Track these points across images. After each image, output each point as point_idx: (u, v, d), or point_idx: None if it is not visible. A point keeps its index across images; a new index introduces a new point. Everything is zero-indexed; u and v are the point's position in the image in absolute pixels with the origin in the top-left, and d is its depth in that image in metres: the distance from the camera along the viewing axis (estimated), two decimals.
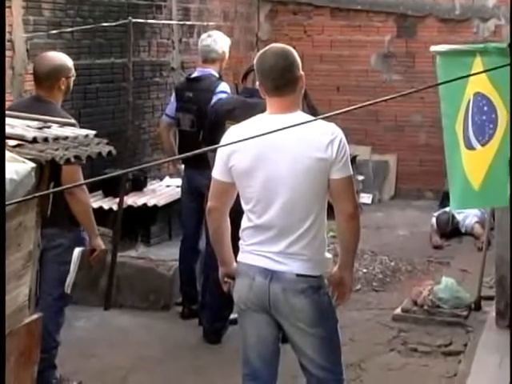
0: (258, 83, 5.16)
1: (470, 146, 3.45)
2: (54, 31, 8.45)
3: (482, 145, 3.41)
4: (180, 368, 7.26)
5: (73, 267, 6.37)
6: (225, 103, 7.40)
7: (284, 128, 4.48)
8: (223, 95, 7.69)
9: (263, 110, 5.18)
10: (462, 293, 8.43)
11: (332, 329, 5.17)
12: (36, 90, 6.66)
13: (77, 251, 6.31)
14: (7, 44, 8.02)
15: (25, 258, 5.29)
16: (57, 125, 5.27)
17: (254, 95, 6.44)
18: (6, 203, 4.50)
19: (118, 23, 9.19)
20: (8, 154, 4.66)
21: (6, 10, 8.08)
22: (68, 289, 6.45)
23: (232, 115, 6.02)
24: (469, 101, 3.41)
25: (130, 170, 7.24)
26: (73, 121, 5.45)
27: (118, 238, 8.04)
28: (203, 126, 7.54)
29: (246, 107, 5.99)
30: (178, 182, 8.78)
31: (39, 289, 5.45)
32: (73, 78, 6.67)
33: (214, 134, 6.62)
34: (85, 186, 6.15)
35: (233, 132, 5.12)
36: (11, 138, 4.89)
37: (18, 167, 4.66)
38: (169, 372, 7.18)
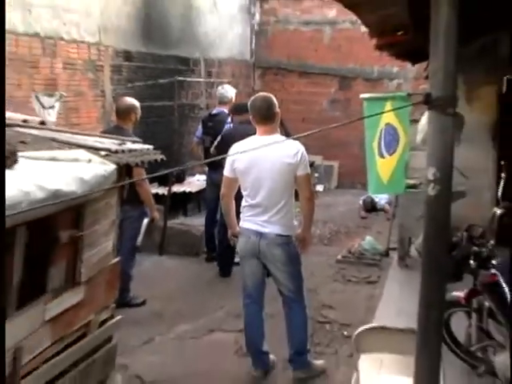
0: (251, 117, 5.34)
1: (381, 156, 3.51)
2: (129, 84, 8.66)
3: (390, 155, 3.47)
4: (204, 292, 7.47)
5: (142, 230, 6.79)
6: (230, 131, 7.58)
7: (267, 145, 4.90)
8: (230, 125, 7.88)
9: (253, 134, 5.35)
10: (377, 246, 8.87)
11: (297, 268, 5.31)
12: (117, 121, 6.97)
13: (145, 221, 6.80)
14: (100, 92, 8.27)
15: (110, 224, 5.16)
16: (129, 142, 5.43)
17: (245, 125, 6.46)
18: (103, 188, 4.48)
19: (168, 80, 9.46)
20: (99, 159, 4.67)
21: (101, 70, 8.36)
22: (138, 243, 6.82)
23: (233, 139, 6.08)
24: (382, 128, 3.48)
25: (173, 169, 7.75)
26: (139, 140, 5.69)
27: (167, 212, 8.62)
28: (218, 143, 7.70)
29: (238, 134, 5.97)
30: (203, 177, 9.37)
31: (120, 243, 5.68)
32: (139, 114, 7.00)
33: (223, 149, 6.60)
34: (147, 179, 6.58)
35: (236, 147, 5.33)
36: (102, 149, 4.89)
37: (106, 168, 4.59)
38: (197, 294, 7.36)
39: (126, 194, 5.98)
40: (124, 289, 6.39)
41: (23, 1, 6.83)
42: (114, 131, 6.38)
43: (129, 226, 6.52)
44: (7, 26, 6.64)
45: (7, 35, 6.69)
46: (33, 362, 4.21)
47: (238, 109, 7.58)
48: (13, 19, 6.72)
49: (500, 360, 4.44)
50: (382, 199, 11.02)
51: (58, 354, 4.47)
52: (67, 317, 4.54)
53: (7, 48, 6.68)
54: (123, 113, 6.83)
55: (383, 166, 3.47)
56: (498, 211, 5.39)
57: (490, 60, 8.37)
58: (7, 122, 5.07)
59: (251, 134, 5.41)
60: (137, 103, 6.93)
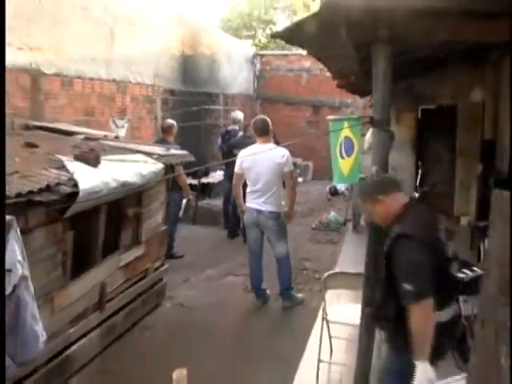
0: (252, 131, 5.34)
1: (342, 157, 3.45)
2: (173, 111, 8.61)
3: (348, 157, 3.42)
4: (222, 249, 7.35)
5: (182, 208, 6.75)
6: (238, 141, 7.46)
7: (264, 151, 4.81)
8: (240, 137, 7.73)
9: (250, 143, 5.37)
10: (339, 218, 8.65)
11: (284, 233, 5.26)
12: (163, 135, 6.81)
13: (184, 201, 6.75)
14: (154, 117, 8.22)
15: (160, 204, 5.20)
16: (172, 149, 5.42)
17: (249, 137, 6.46)
18: (155, 180, 4.56)
19: (198, 108, 9.48)
20: (152, 161, 4.65)
21: (154, 102, 8.25)
22: (179, 216, 6.78)
23: (239, 146, 6.07)
24: (342, 140, 3.43)
25: (201, 167, 7.70)
26: (178, 147, 5.78)
27: (198, 196, 8.43)
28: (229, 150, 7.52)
29: (245, 143, 5.96)
30: (221, 173, 9.02)
31: (167, 216, 5.52)
32: (176, 129, 6.85)
33: (232, 154, 6.62)
34: (184, 173, 6.33)
35: (243, 152, 5.27)
36: (154, 154, 4.86)
37: (157, 166, 4.58)
38: (217, 250, 7.27)
39: (170, 183, 6.11)
40: (170, 246, 6.38)
41: (106, 59, 6.83)
42: (162, 142, 6.34)
43: (173, 205, 6.45)
44: (96, 76, 6.68)
45: (98, 82, 6.74)
46: (113, 292, 4.31)
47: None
48: (100, 71, 6.73)
49: None
50: (342, 187, 10.81)
51: (128, 288, 4.59)
52: (133, 264, 4.64)
53: (97, 90, 6.74)
54: (166, 129, 6.73)
55: (344, 164, 3.45)
56: (416, 195, 5.43)
57: (411, 96, 8.40)
58: (95, 136, 5.16)
59: (250, 144, 5.43)
60: (174, 123, 6.83)
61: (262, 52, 14.15)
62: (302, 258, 6.70)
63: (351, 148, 3.50)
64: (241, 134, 7.88)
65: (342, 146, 3.56)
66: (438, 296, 2.37)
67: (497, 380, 1.18)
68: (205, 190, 8.98)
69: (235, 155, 6.34)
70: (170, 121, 6.90)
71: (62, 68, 5.95)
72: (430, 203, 5.52)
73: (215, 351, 4.25)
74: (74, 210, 3.33)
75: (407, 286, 2.32)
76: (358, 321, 3.17)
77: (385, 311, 2.60)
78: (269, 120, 5.25)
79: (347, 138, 3.50)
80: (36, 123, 5.13)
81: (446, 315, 2.49)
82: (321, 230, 8.27)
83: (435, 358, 2.37)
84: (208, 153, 9.60)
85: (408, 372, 2.34)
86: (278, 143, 5.67)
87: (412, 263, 2.37)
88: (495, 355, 1.17)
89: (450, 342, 2.56)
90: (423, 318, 2.31)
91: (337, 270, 4.65)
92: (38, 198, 2.90)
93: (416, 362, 2.32)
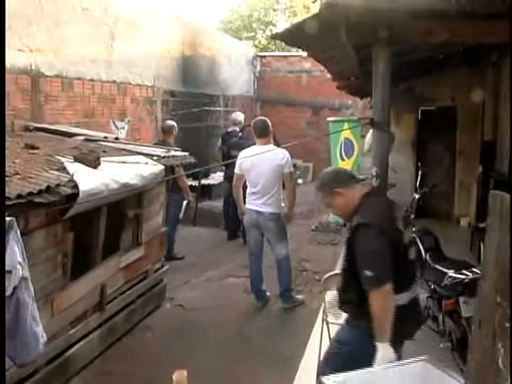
0: (252, 133, 5.27)
1: (342, 159, 3.49)
2: (173, 113, 8.64)
3: (348, 158, 3.46)
4: (222, 250, 7.32)
5: (182, 209, 6.68)
6: (235, 143, 7.42)
7: (264, 152, 4.80)
8: (237, 139, 7.67)
9: (252, 145, 5.31)
10: (338, 219, 8.08)
11: (284, 234, 5.22)
12: (163, 137, 6.78)
13: (184, 203, 6.67)
14: (154, 118, 8.20)
15: (160, 205, 5.20)
16: (172, 150, 5.40)
17: (248, 139, 6.43)
18: (155, 181, 4.50)
19: (198, 109, 9.44)
20: (153, 162, 4.63)
21: (154, 104, 8.23)
22: (180, 218, 6.71)
23: (236, 148, 6.08)
24: (342, 141, 3.47)
25: (201, 168, 7.51)
26: (178, 149, 5.70)
27: (198, 197, 8.33)
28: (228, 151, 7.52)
29: (241, 144, 5.98)
30: (222, 174, 8.85)
31: (167, 218, 5.59)
32: (176, 131, 6.81)
33: (231, 155, 6.60)
34: (184, 174, 6.37)
35: (243, 153, 5.24)
36: (154, 155, 4.85)
37: (157, 168, 4.56)
38: (218, 252, 7.23)
39: (170, 185, 6.06)
40: (170, 248, 6.36)
41: (106, 60, 6.82)
42: (162, 143, 6.31)
43: (173, 206, 6.42)
44: (97, 77, 6.66)
45: (98, 83, 6.71)
46: (113, 294, 4.31)
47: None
48: (100, 72, 6.71)
49: None
50: None
51: (128, 289, 4.59)
52: (134, 266, 4.64)
53: (97, 91, 6.71)
54: (167, 131, 6.71)
55: (343, 166, 3.50)
56: (416, 196, 5.39)
57: (410, 97, 8.42)
58: (95, 138, 5.15)
59: (246, 145, 5.51)
60: (175, 124, 6.81)
61: (262, 53, 14.14)
62: (302, 260, 6.66)
63: (351, 149, 3.53)
64: (240, 135, 7.85)
65: (342, 148, 3.58)
66: (397, 281, 2.48)
67: (494, 381, 1.18)
68: (205, 192, 8.95)
69: (232, 156, 6.32)
70: (171, 122, 6.88)
71: (62, 69, 5.94)
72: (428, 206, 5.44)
73: (216, 352, 4.24)
74: (74, 211, 3.32)
75: (367, 273, 2.45)
76: None
77: (347, 296, 2.71)
78: (269, 121, 5.22)
79: (347, 140, 3.52)
80: (36, 125, 5.12)
81: (404, 298, 2.59)
82: (321, 231, 8.18)
83: (396, 339, 2.46)
84: (208, 154, 9.57)
85: (369, 353, 2.42)
86: (278, 144, 5.65)
87: (371, 251, 2.49)
88: (493, 357, 1.17)
89: (410, 324, 2.66)
90: (383, 302, 2.43)
91: (337, 271, 4.55)
92: (38, 200, 2.90)
93: (377, 344, 2.41)
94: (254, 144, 5.20)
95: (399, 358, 2.51)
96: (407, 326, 2.60)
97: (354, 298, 2.63)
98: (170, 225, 6.15)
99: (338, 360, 2.69)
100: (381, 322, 2.43)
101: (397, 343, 2.48)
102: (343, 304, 2.80)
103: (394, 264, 2.49)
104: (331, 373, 2.24)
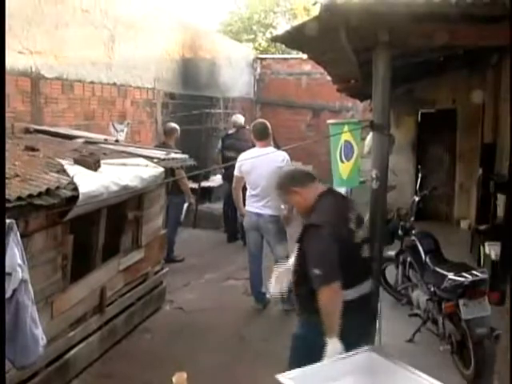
0: (252, 135, 5.26)
1: (342, 161, 3.46)
2: (173, 115, 8.57)
3: (348, 160, 3.43)
4: (222, 252, 7.33)
5: (182, 211, 6.60)
6: (229, 144, 7.49)
7: (263, 154, 4.73)
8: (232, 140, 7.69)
9: (246, 146, 5.40)
10: None
11: (283, 236, 5.16)
12: (164, 139, 6.83)
13: (185, 205, 6.62)
14: (154, 121, 8.15)
15: (160, 207, 5.20)
16: (172, 153, 5.37)
17: (242, 140, 6.57)
18: (155, 183, 4.52)
19: (199, 112, 9.38)
20: (153, 164, 4.61)
21: (154, 106, 8.20)
22: (180, 220, 6.69)
23: (230, 149, 6.08)
24: (342, 143, 3.44)
25: (202, 171, 7.35)
26: (178, 151, 5.67)
27: (198, 199, 8.26)
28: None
29: (236, 146, 5.98)
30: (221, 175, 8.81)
31: (167, 220, 5.47)
32: (178, 134, 6.87)
33: (226, 156, 6.71)
34: (186, 177, 6.34)
35: (243, 155, 5.21)
36: (154, 158, 4.82)
37: (157, 170, 4.55)
38: (218, 254, 7.25)
39: (171, 187, 6.06)
40: (170, 250, 6.38)
41: (106, 62, 6.80)
42: (162, 146, 6.31)
43: (173, 208, 6.43)
44: (97, 79, 6.62)
45: (98, 85, 6.66)
46: (113, 296, 4.32)
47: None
48: (100, 75, 6.69)
49: (414, 295, 4.47)
50: (341, 190, 10.70)
51: (128, 292, 4.58)
52: (133, 268, 4.64)
53: (97, 94, 6.67)
54: (168, 133, 6.73)
55: (344, 168, 3.46)
56: (416, 198, 5.40)
57: (410, 99, 8.42)
58: (95, 140, 5.15)
59: (241, 146, 5.57)
60: (177, 126, 6.83)
61: (262, 56, 14.12)
62: None
63: (351, 152, 3.53)
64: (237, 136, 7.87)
65: (342, 150, 3.59)
66: (346, 277, 2.61)
67: None
68: (205, 194, 8.94)
69: (227, 157, 6.28)
70: (173, 124, 6.89)
71: (63, 72, 5.93)
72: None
73: (215, 354, 4.24)
74: (74, 213, 3.32)
75: (316, 271, 2.58)
76: None
77: (298, 291, 2.84)
78: (268, 124, 5.22)
79: (347, 142, 3.52)
80: (36, 127, 5.12)
81: (354, 294, 2.71)
82: None
83: (347, 332, 2.56)
84: (208, 156, 9.54)
85: (320, 347, 2.53)
86: (278, 147, 5.65)
87: (319, 251, 2.63)
88: None
89: (359, 319, 2.73)
90: (331, 299, 2.56)
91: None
92: (38, 202, 2.90)
93: (326, 338, 2.52)
94: (249, 145, 5.23)
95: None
96: (356, 321, 2.66)
97: (304, 294, 2.76)
98: (170, 227, 6.16)
99: (295, 354, 2.83)
100: (329, 318, 2.56)
101: (349, 337, 2.57)
102: (296, 298, 2.93)
103: (345, 261, 2.60)
104: (291, 367, 2.38)
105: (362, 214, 2.93)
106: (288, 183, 2.89)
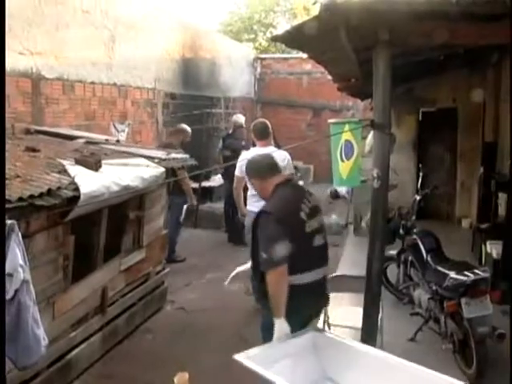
0: (252, 135, 5.25)
1: (342, 160, 3.45)
2: (174, 115, 8.58)
3: (348, 160, 3.41)
4: (223, 252, 7.27)
5: (183, 211, 6.63)
6: (227, 144, 7.59)
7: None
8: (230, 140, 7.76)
9: (243, 145, 5.32)
10: (340, 221, 8.53)
11: None
12: (168, 139, 6.92)
13: (185, 205, 6.60)
14: (155, 121, 8.15)
15: (161, 207, 5.20)
16: (174, 153, 5.34)
17: (239, 139, 6.54)
18: (156, 183, 4.52)
19: (199, 111, 9.38)
20: (154, 165, 4.60)
21: (155, 106, 8.20)
22: (181, 220, 6.68)
23: (228, 148, 6.10)
24: (342, 143, 3.43)
25: (203, 171, 7.25)
26: (180, 151, 5.71)
27: (199, 199, 8.21)
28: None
29: (233, 145, 5.96)
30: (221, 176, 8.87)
31: (168, 220, 5.49)
32: (187, 136, 6.92)
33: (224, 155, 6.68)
34: (187, 178, 6.35)
35: (244, 155, 5.21)
36: (156, 158, 4.81)
37: (158, 170, 4.56)
38: (219, 254, 7.23)
39: (172, 187, 6.06)
40: (171, 250, 6.38)
41: (107, 63, 6.81)
42: (166, 146, 6.31)
43: (174, 208, 6.44)
44: (97, 80, 6.64)
45: (99, 86, 6.68)
46: (114, 296, 4.32)
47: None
48: (101, 75, 6.71)
49: (416, 294, 4.46)
50: (342, 190, 10.36)
51: (129, 292, 4.59)
52: (135, 268, 4.64)
53: (98, 94, 6.69)
54: (173, 133, 6.83)
55: (344, 168, 3.45)
56: (417, 197, 5.40)
57: (411, 98, 8.42)
58: (96, 140, 5.15)
59: (238, 145, 5.49)
60: (185, 128, 6.84)
61: (262, 55, 14.15)
62: None
63: (351, 151, 3.53)
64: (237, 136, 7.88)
65: (343, 149, 3.58)
66: (298, 263, 2.82)
67: None
68: (206, 194, 8.95)
69: (227, 157, 6.23)
70: (182, 125, 6.97)
71: (63, 72, 5.94)
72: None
73: (217, 355, 4.21)
74: (76, 213, 3.33)
75: (264, 255, 2.75)
76: (360, 324, 3.17)
77: (254, 276, 3.01)
78: (269, 123, 5.22)
79: (347, 141, 3.52)
80: (37, 127, 5.12)
81: (306, 278, 2.89)
82: None
83: (300, 313, 2.80)
84: (210, 156, 9.56)
85: (272, 328, 2.73)
86: (278, 146, 5.63)
87: (268, 236, 2.79)
88: None
89: (312, 301, 2.96)
90: (276, 281, 2.74)
91: (338, 273, 4.63)
92: (39, 202, 2.90)
93: (274, 318, 2.72)
94: (245, 145, 5.19)
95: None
96: (309, 302, 2.90)
97: (258, 278, 2.92)
98: (172, 227, 6.17)
99: (263, 334, 3.03)
100: (275, 299, 2.75)
101: (302, 317, 2.84)
102: (253, 284, 3.15)
103: (296, 248, 2.79)
104: None
105: (363, 212, 3.05)
106: (252, 172, 3.19)
